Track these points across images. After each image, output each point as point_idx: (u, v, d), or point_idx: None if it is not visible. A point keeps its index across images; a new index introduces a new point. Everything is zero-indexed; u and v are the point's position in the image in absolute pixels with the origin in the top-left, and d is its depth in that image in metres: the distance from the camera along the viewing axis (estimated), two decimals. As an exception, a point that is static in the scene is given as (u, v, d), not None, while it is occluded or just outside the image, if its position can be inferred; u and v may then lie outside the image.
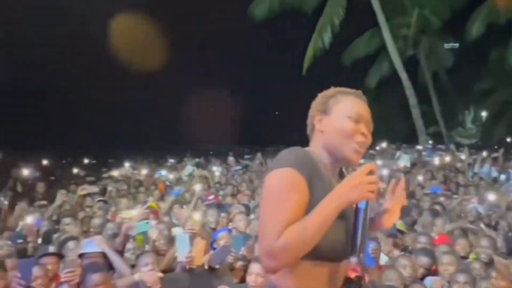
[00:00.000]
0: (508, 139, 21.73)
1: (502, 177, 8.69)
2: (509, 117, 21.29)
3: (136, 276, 2.80)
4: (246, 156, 14.71)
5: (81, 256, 3.31)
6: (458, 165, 10.45)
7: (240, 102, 23.65)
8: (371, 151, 13.36)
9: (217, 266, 2.97)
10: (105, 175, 12.05)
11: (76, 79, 21.25)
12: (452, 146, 16.04)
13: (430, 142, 17.32)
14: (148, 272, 2.80)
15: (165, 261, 3.26)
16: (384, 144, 14.37)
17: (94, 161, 17.81)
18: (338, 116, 1.48)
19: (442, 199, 6.34)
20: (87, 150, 18.59)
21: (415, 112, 15.60)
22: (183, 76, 23.08)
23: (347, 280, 1.48)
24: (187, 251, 2.89)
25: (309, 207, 1.35)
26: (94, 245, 3.30)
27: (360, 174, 1.35)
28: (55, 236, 4.64)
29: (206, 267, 2.95)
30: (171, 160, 13.58)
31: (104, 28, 18.69)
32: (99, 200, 6.44)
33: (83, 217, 5.37)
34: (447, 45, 17.80)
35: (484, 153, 11.12)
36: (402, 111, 24.14)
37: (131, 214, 4.76)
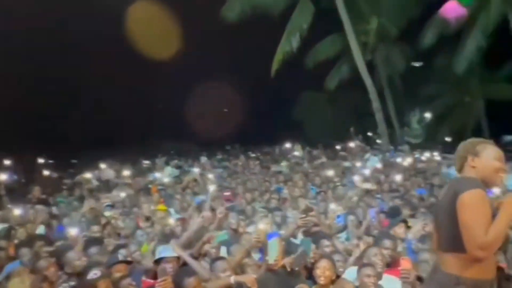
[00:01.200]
0: (449, 140, 23.75)
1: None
2: (451, 120, 23.26)
3: (232, 279, 3.02)
4: (218, 157, 14.86)
5: (157, 261, 3.45)
6: (425, 166, 11.37)
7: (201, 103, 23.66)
8: (342, 153, 14.10)
9: (296, 269, 3.26)
10: (78, 177, 11.67)
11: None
12: (406, 147, 17.27)
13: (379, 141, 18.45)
14: (246, 275, 3.04)
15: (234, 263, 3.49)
16: (352, 144, 15.15)
17: (50, 161, 17.02)
18: (488, 158, 2.26)
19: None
20: (43, 150, 17.75)
21: (379, 116, 16.59)
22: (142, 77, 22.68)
23: (501, 269, 2.09)
24: (275, 255, 3.16)
25: None
26: (171, 250, 3.46)
27: None
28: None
29: (288, 269, 3.23)
30: (146, 162, 13.39)
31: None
32: (107, 205, 6.41)
33: (104, 223, 5.38)
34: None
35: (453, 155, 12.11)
36: (357, 113, 25.61)
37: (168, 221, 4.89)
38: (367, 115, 20.29)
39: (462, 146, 2.37)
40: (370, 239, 4.33)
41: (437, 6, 16.97)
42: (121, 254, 3.53)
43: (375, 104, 16.34)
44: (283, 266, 3.25)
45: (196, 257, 3.66)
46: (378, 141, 19.05)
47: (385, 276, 3.47)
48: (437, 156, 13.74)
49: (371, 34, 18.63)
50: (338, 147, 19.04)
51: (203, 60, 22.33)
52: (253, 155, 15.96)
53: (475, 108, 22.76)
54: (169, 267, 3.23)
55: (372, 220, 5.39)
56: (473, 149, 2.29)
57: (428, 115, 27.13)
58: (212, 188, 6.37)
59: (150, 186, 8.84)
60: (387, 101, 20.22)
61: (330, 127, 25.20)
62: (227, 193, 6.72)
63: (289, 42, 16.24)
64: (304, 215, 4.42)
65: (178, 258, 3.44)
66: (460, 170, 2.32)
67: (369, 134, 25.80)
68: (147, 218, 5.76)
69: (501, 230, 2.00)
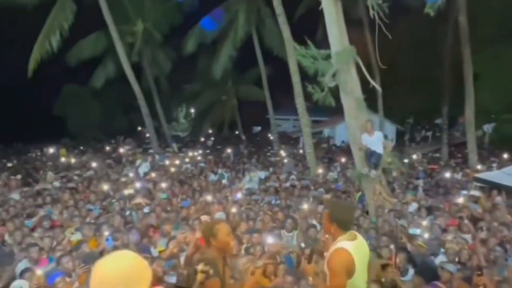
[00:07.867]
0: (211, 131, 26.80)
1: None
2: (212, 115, 26.19)
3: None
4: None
5: None
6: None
7: None
8: (109, 161, 14.09)
9: None
10: None
11: None
12: (174, 146, 18.49)
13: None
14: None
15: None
16: (122, 150, 15.29)
17: None
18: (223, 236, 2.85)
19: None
20: None
21: (148, 121, 17.17)
22: None
23: None
24: None
25: None
26: None
27: None
28: None
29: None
30: None
31: None
32: None
33: None
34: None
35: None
36: (122, 109, 26.08)
37: None
38: (135, 110, 20.44)
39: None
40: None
41: (197, 18, 18.93)
42: None
43: (144, 110, 16.86)
44: None
45: None
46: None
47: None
48: (198, 155, 15.38)
49: (138, 37, 18.98)
50: (108, 148, 18.89)
51: None
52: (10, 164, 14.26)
53: (230, 106, 26.24)
54: None
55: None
56: (210, 232, 2.81)
57: (193, 111, 29.84)
58: None
59: None
60: (155, 99, 21.03)
61: (96, 121, 24.59)
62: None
63: (49, 41, 15.02)
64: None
65: None
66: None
67: (139, 128, 26.46)
68: None
69: None
